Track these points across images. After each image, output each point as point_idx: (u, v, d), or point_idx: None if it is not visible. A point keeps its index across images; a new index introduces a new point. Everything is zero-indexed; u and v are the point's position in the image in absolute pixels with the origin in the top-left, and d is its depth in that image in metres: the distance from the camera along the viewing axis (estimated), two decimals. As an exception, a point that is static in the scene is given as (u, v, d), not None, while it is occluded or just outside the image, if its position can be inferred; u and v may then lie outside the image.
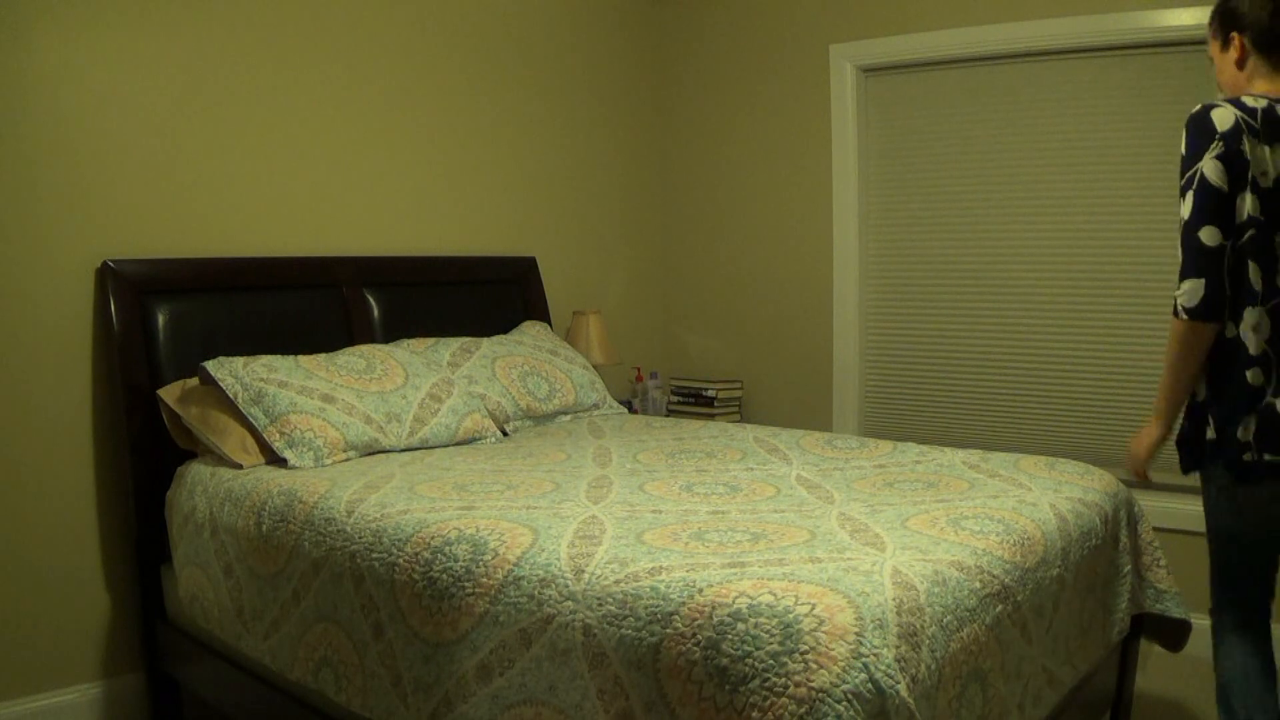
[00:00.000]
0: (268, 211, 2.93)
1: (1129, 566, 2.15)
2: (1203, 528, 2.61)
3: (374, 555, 1.83)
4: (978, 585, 1.54)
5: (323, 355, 2.66)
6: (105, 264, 2.53)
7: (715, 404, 3.89)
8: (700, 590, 1.41)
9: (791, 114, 3.89)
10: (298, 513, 2.04)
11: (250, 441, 2.40)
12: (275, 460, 2.38)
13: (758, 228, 4.04)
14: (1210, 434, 1.90)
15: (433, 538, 1.77)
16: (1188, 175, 1.85)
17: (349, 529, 1.91)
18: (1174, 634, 2.30)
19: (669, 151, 4.27)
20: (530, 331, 3.31)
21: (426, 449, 2.57)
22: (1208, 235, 1.82)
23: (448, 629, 1.67)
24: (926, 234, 3.64)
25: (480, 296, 3.40)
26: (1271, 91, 1.92)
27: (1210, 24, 2.06)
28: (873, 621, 1.33)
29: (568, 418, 3.09)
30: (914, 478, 2.16)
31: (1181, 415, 1.99)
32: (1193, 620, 2.31)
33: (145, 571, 2.56)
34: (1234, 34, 1.98)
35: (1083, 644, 1.95)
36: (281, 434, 2.36)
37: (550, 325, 3.58)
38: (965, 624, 1.47)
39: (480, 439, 2.72)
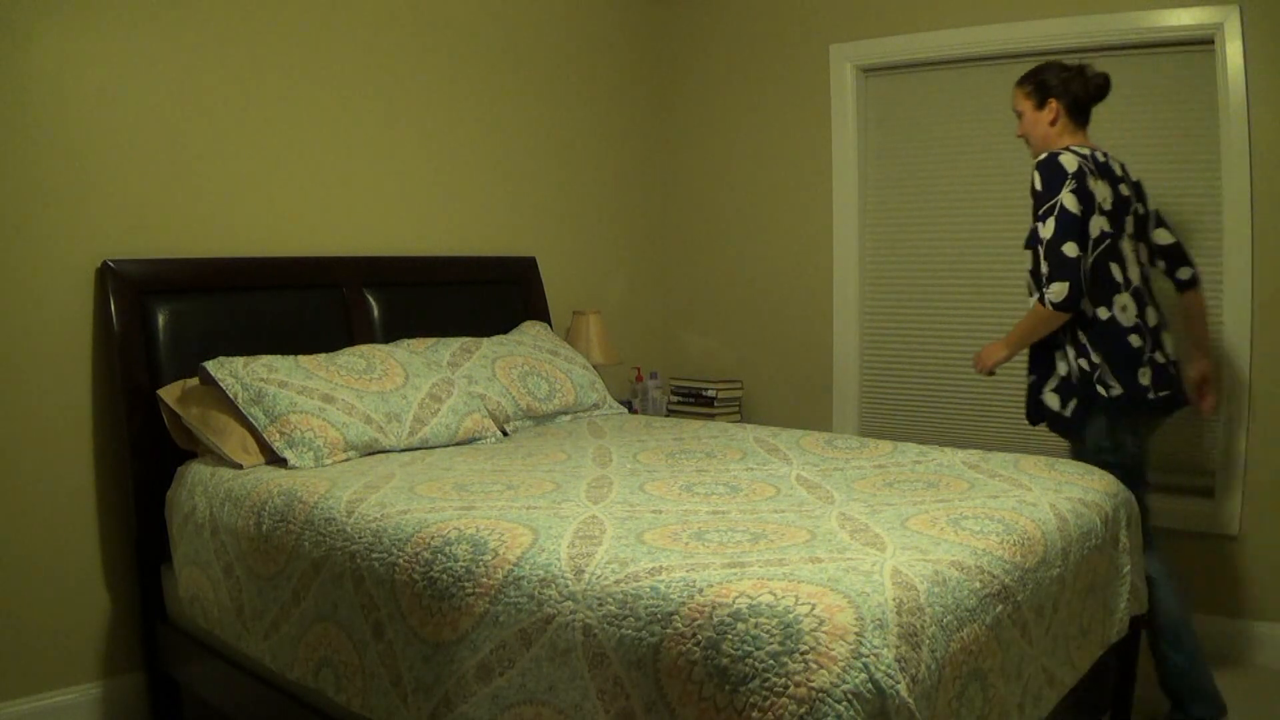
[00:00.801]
0: (268, 211, 2.93)
1: (1129, 566, 2.15)
2: (1201, 527, 2.77)
3: (374, 555, 1.83)
4: (978, 585, 1.54)
5: (323, 355, 2.66)
6: (105, 264, 2.53)
7: (715, 404, 3.89)
8: (700, 590, 1.41)
9: (791, 114, 3.89)
10: (298, 513, 2.04)
11: (250, 441, 2.40)
12: (275, 460, 2.38)
13: (758, 228, 4.04)
14: (1116, 391, 2.46)
15: (433, 538, 1.77)
16: (1048, 205, 2.43)
17: (349, 529, 1.91)
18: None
19: (669, 152, 4.27)
20: (530, 331, 3.31)
21: (426, 449, 2.57)
22: (1069, 249, 2.40)
23: (448, 629, 1.67)
24: (926, 234, 3.64)
25: (480, 296, 3.40)
26: (1080, 144, 2.56)
27: (1023, 88, 2.67)
28: (873, 621, 1.32)
29: (568, 418, 3.09)
30: (914, 478, 2.16)
31: (1053, 381, 2.56)
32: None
33: (145, 571, 2.56)
34: (1051, 100, 2.61)
35: (1083, 644, 1.95)
36: (281, 434, 2.36)
37: (550, 325, 3.59)
38: (965, 624, 1.47)
39: (480, 439, 2.72)
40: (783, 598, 1.36)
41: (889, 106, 3.71)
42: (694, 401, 3.94)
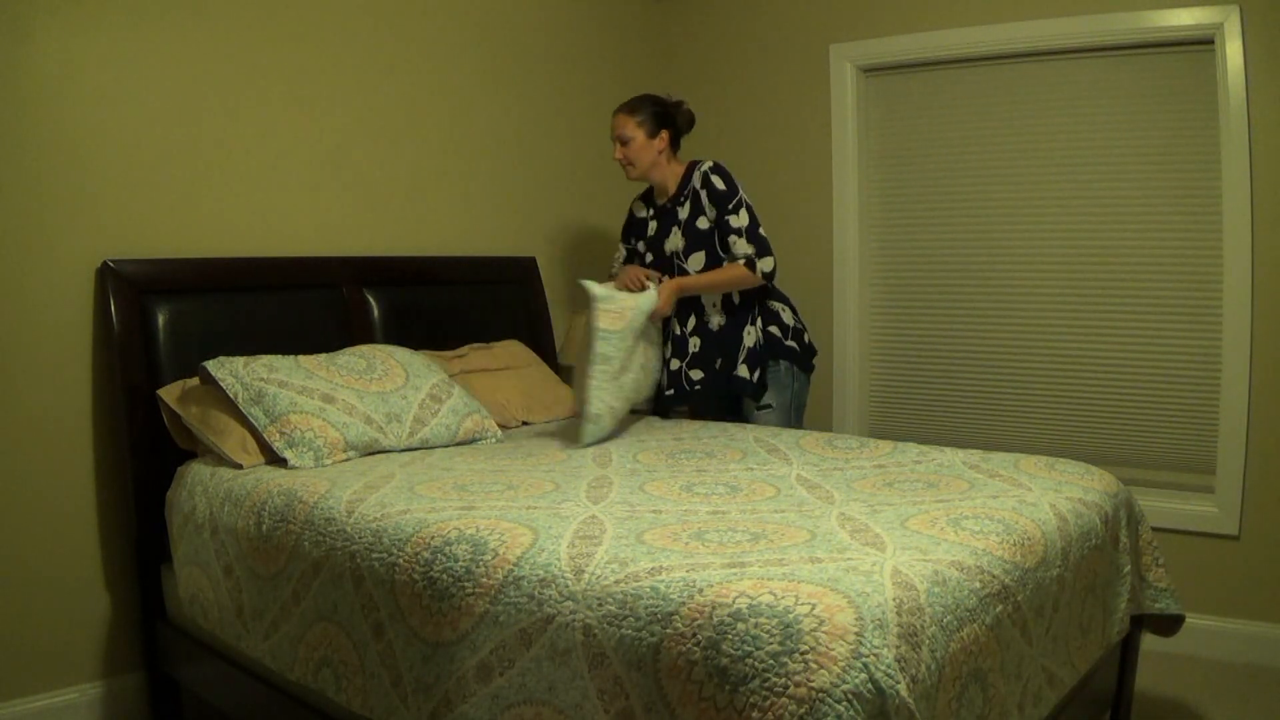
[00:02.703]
0: (268, 211, 2.93)
1: (1129, 566, 2.15)
2: (1203, 528, 2.80)
3: (374, 555, 1.83)
4: (978, 585, 1.54)
5: (323, 355, 2.66)
6: (105, 264, 2.53)
7: (715, 404, 3.88)
8: (700, 590, 1.41)
9: (791, 114, 3.89)
10: (298, 513, 2.04)
11: (250, 441, 2.40)
12: (275, 460, 2.38)
13: (758, 228, 4.03)
14: (809, 340, 3.13)
15: (433, 538, 1.77)
16: (736, 199, 2.98)
17: (349, 529, 1.91)
18: (1168, 625, 2.35)
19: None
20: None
21: (427, 449, 2.57)
22: (764, 232, 2.99)
23: (448, 629, 1.67)
24: (927, 234, 3.64)
25: (480, 296, 3.40)
26: (682, 168, 3.12)
27: (633, 117, 3.06)
28: (873, 621, 1.32)
29: (567, 419, 3.09)
30: (914, 478, 2.15)
31: (742, 354, 3.01)
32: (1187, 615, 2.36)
33: (145, 571, 2.56)
34: (663, 130, 3.07)
35: (1083, 644, 1.95)
36: (281, 434, 2.36)
37: (550, 325, 3.59)
38: (965, 624, 1.47)
39: (480, 439, 2.71)
40: (783, 598, 1.36)
41: (889, 106, 3.70)
42: (694, 401, 3.94)
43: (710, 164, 3.02)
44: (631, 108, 3.08)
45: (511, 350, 3.24)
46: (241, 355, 2.57)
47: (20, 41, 2.41)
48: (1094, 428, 3.32)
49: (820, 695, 1.25)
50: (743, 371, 3.00)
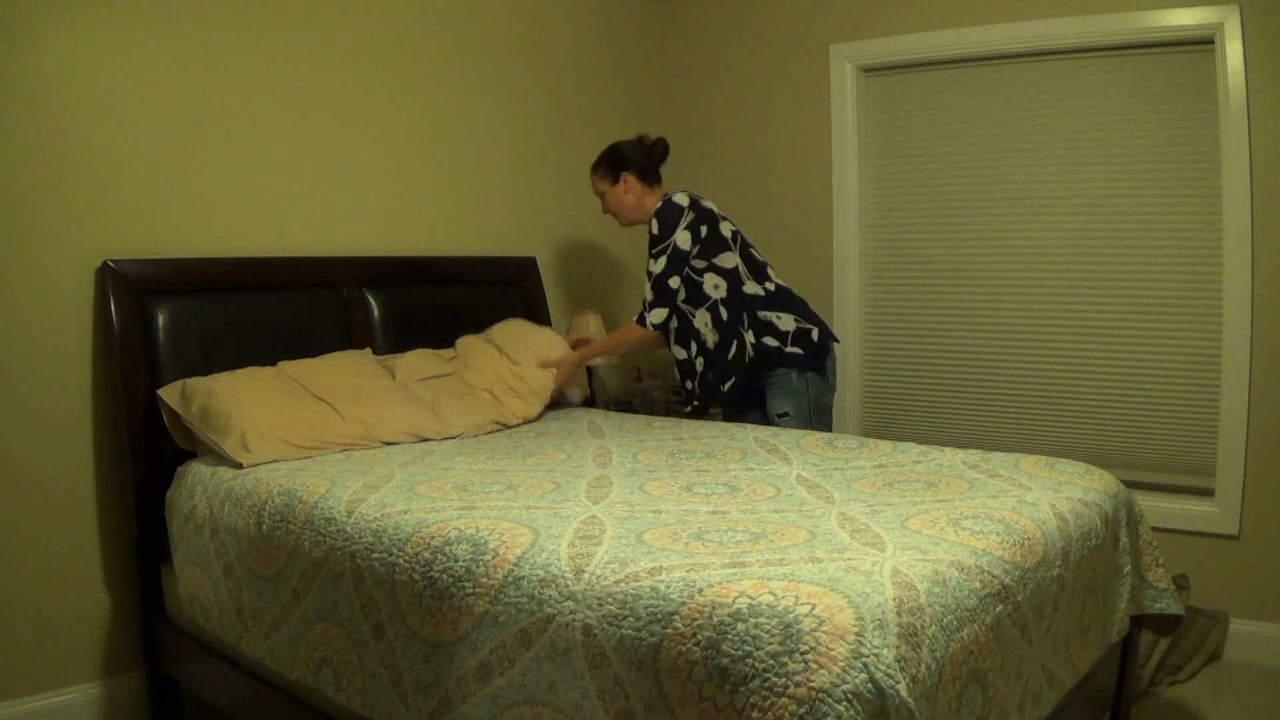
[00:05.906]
0: (268, 211, 2.93)
1: (1129, 566, 2.15)
2: (1203, 528, 2.79)
3: (374, 555, 1.83)
4: (978, 585, 1.54)
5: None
6: (105, 264, 2.53)
7: (715, 404, 3.88)
8: (700, 590, 1.41)
9: (791, 114, 3.89)
10: (298, 513, 2.04)
11: (251, 439, 2.39)
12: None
13: (757, 228, 4.02)
14: (817, 341, 3.03)
15: (433, 538, 1.77)
16: (663, 244, 2.95)
17: (349, 529, 1.91)
18: (1169, 624, 2.35)
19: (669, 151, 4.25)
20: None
21: (425, 448, 2.57)
22: (674, 282, 3.00)
23: (448, 629, 1.67)
24: (926, 234, 3.64)
25: (480, 296, 3.40)
26: (658, 200, 3.05)
27: (596, 173, 3.13)
28: (873, 621, 1.32)
29: (566, 415, 3.09)
30: (914, 478, 2.15)
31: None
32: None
33: (145, 571, 2.56)
34: (624, 174, 3.09)
35: (1083, 644, 1.95)
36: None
37: (550, 325, 3.59)
38: (965, 624, 1.47)
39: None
40: (783, 598, 1.35)
41: (889, 106, 3.70)
42: (694, 401, 3.93)
43: (660, 203, 3.00)
44: (594, 165, 3.15)
45: (511, 350, 3.24)
46: (241, 355, 2.57)
47: (21, 42, 2.41)
48: (1094, 429, 3.32)
49: (820, 695, 1.25)
50: (719, 383, 3.05)
